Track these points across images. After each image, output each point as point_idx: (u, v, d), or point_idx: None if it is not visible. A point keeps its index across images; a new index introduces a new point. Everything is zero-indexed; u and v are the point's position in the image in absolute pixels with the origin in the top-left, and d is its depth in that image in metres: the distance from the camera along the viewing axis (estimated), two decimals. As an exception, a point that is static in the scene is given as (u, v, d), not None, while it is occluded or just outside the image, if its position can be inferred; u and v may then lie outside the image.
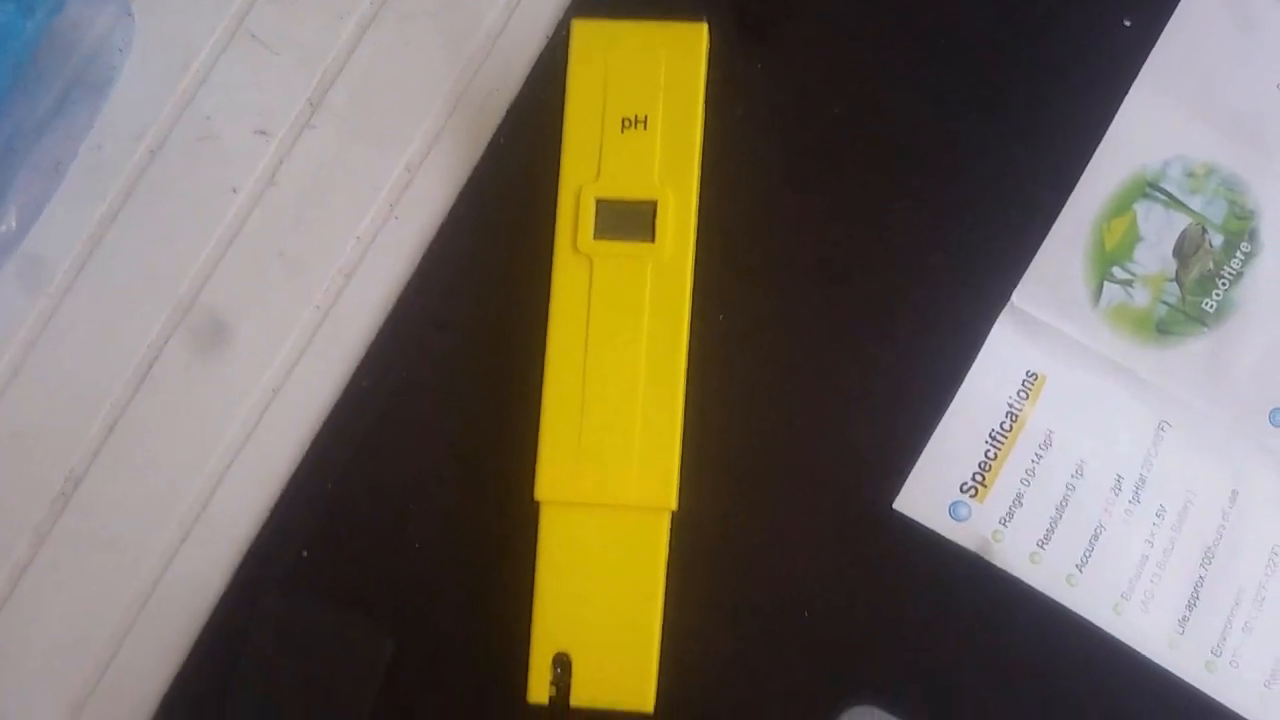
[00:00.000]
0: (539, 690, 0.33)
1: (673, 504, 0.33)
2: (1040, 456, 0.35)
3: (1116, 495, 0.35)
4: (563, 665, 0.33)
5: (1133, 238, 0.37)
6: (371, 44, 0.39)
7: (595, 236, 0.34)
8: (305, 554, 0.35)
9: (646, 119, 0.35)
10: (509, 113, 0.38)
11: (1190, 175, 0.37)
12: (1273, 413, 0.36)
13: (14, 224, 0.38)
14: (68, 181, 0.38)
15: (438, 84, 0.38)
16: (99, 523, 0.37)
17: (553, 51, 0.38)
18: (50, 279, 0.38)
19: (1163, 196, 0.37)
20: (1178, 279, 0.37)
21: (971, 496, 0.35)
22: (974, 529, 0.35)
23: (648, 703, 0.33)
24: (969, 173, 0.37)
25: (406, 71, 0.38)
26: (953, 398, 0.35)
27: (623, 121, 0.35)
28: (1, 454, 0.37)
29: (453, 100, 0.38)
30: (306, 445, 0.36)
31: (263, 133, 0.38)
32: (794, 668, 0.34)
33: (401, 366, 0.37)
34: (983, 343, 0.36)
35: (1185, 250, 0.37)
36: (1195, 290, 0.37)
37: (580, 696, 0.32)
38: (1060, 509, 0.35)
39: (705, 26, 0.35)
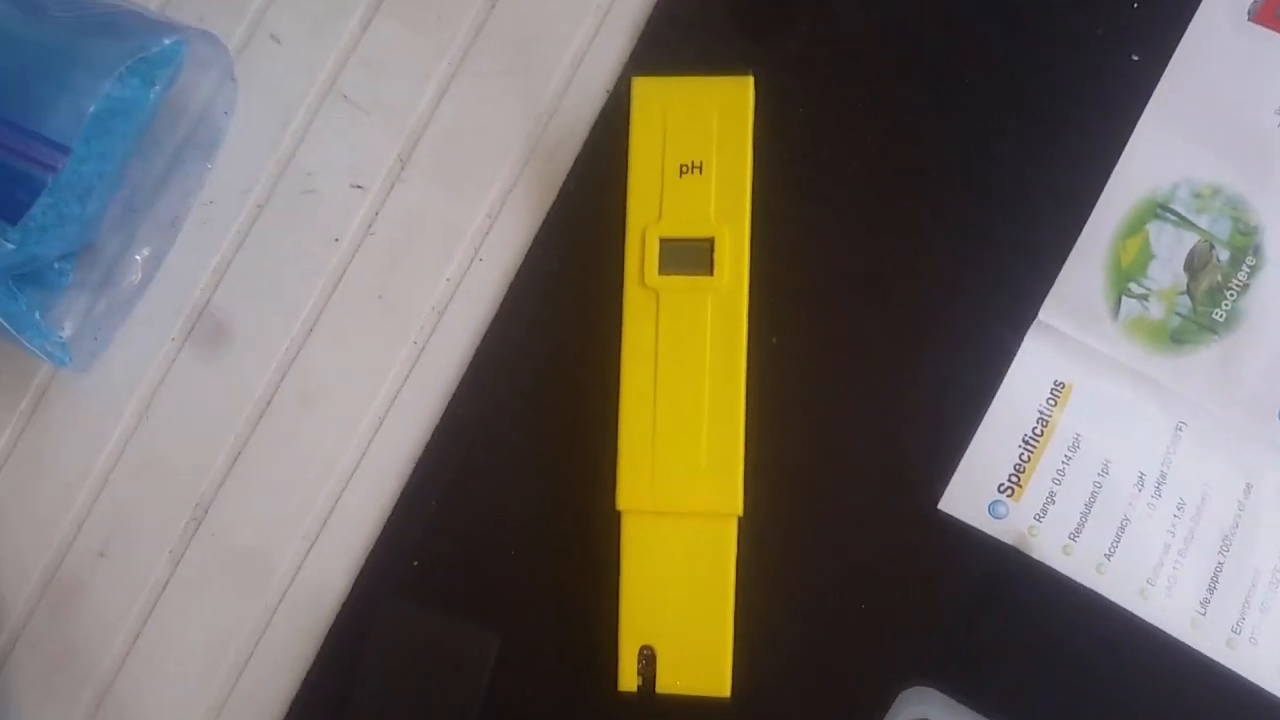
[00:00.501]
0: (628, 679, 0.36)
1: (739, 509, 0.37)
2: (1069, 458, 0.39)
3: (1139, 491, 0.38)
4: (647, 657, 0.36)
5: (1146, 255, 0.40)
6: (452, 103, 0.43)
7: (660, 272, 0.38)
8: (415, 564, 0.39)
9: (702, 165, 0.39)
10: (576, 162, 0.42)
11: (1197, 196, 0.40)
12: (1281, 412, 0.39)
13: (138, 276, 0.43)
14: (184, 235, 0.43)
15: (512, 138, 0.42)
16: (228, 543, 0.41)
17: (613, 106, 0.42)
18: (174, 325, 0.42)
19: (1173, 216, 0.40)
20: (1189, 292, 0.40)
21: (1009, 496, 0.38)
22: (1012, 525, 0.38)
23: (725, 688, 0.36)
24: (994, 199, 0.40)
25: (484, 127, 0.42)
26: (988, 406, 0.39)
27: (680, 167, 0.39)
28: (137, 485, 0.41)
29: (526, 152, 0.42)
30: (411, 468, 0.40)
31: (359, 186, 0.42)
32: (853, 653, 0.37)
33: (491, 394, 0.40)
34: (1014, 355, 0.39)
35: (1195, 265, 0.40)
36: (1205, 302, 0.40)
37: (665, 684, 0.36)
38: (1089, 505, 0.38)
39: (751, 80, 0.39)
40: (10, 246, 0.38)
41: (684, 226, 0.38)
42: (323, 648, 0.39)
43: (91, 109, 0.39)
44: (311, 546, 0.40)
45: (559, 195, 0.42)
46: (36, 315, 0.40)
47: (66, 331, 0.41)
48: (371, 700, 0.38)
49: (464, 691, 0.37)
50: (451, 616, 0.38)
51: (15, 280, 0.40)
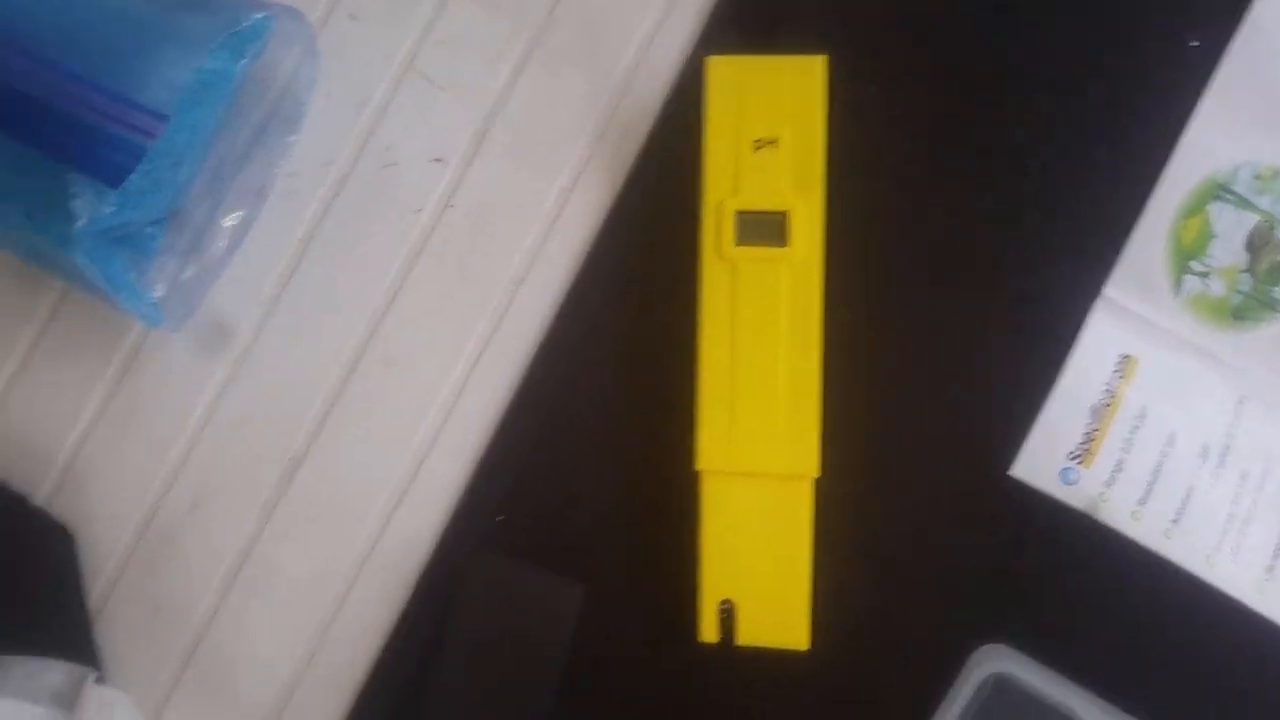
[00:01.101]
0: (709, 631, 0.37)
1: (815, 471, 0.38)
2: (1136, 428, 0.40)
3: (1204, 462, 0.39)
4: (727, 610, 0.37)
5: (1207, 235, 0.41)
6: (526, 81, 0.44)
7: (736, 244, 0.39)
8: (499, 520, 0.40)
9: (776, 140, 0.40)
10: (649, 138, 0.43)
11: (1258, 178, 0.41)
12: (1342, 386, 0.40)
13: (226, 242, 0.44)
14: (270, 204, 0.44)
15: (586, 114, 0.43)
16: (318, 498, 0.42)
17: (684, 84, 0.43)
18: (261, 290, 0.44)
19: (1233, 198, 0.41)
20: (1250, 270, 0.41)
21: (1079, 463, 0.39)
22: (1082, 491, 0.39)
23: (803, 641, 0.37)
24: (1060, 180, 0.41)
25: (558, 104, 0.44)
26: (1058, 377, 0.40)
27: (755, 143, 0.40)
28: (228, 442, 0.43)
29: (600, 128, 0.43)
30: (493, 430, 0.42)
31: (438, 160, 0.44)
32: (928, 612, 0.38)
33: (569, 360, 0.42)
34: (1081, 329, 0.40)
35: (1255, 244, 0.41)
36: (1266, 280, 0.41)
37: (744, 636, 0.37)
38: (1155, 474, 0.39)
39: (824, 60, 0.40)
40: (110, 209, 0.39)
41: (759, 200, 0.39)
42: (410, 599, 0.41)
43: (185, 81, 0.40)
44: (399, 502, 0.41)
45: (632, 170, 0.43)
46: (131, 277, 0.41)
47: (158, 293, 0.42)
48: (462, 646, 0.39)
49: (550, 641, 0.38)
50: (538, 569, 0.39)
51: (110, 243, 0.41)
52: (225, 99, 0.42)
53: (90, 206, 0.40)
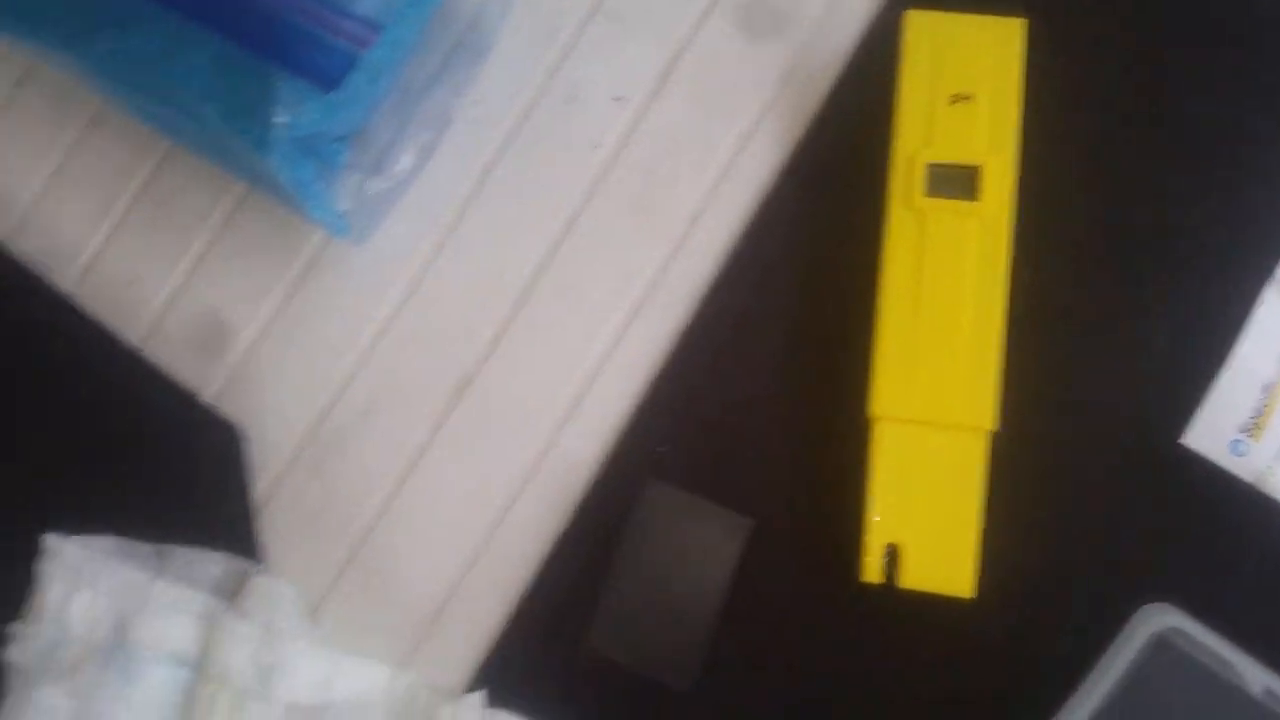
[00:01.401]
0: (873, 571, 0.38)
1: (991, 424, 0.38)
2: (1307, 407, 0.40)
3: (1371, 445, 0.40)
4: (892, 553, 0.38)
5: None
6: (712, 25, 0.45)
7: (926, 194, 0.39)
8: (664, 449, 0.41)
9: (972, 96, 0.40)
10: (834, 88, 0.43)
11: None
12: None
13: (408, 166, 0.45)
14: (453, 131, 0.45)
15: (770, 61, 0.44)
16: (487, 414, 0.43)
17: (871, 38, 0.43)
18: (442, 214, 0.45)
19: None
20: None
21: (1249, 436, 0.40)
22: (1251, 464, 0.39)
23: (968, 589, 0.38)
24: (1245, 160, 0.41)
25: (743, 50, 0.44)
26: (1230, 352, 0.40)
27: (951, 97, 0.40)
28: (403, 355, 0.44)
29: (784, 75, 0.44)
30: (662, 360, 0.42)
31: (619, 99, 0.44)
32: (1093, 571, 0.39)
33: (742, 298, 0.43)
34: (1254, 307, 0.40)
35: None
36: None
37: (908, 580, 0.38)
38: (1323, 453, 0.40)
39: (1024, 23, 0.40)
40: (313, 115, 0.40)
41: (951, 153, 0.40)
42: (573, 519, 0.42)
43: (391, -2, 0.41)
44: (564, 425, 0.43)
45: (815, 118, 0.43)
46: (320, 186, 0.42)
47: (343, 206, 0.43)
48: (630, 570, 0.40)
49: (715, 570, 0.39)
50: (709, 502, 0.40)
51: (302, 151, 0.42)
52: (421, 20, 0.43)
53: (292, 110, 0.41)
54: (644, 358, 0.43)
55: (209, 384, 0.45)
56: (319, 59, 0.40)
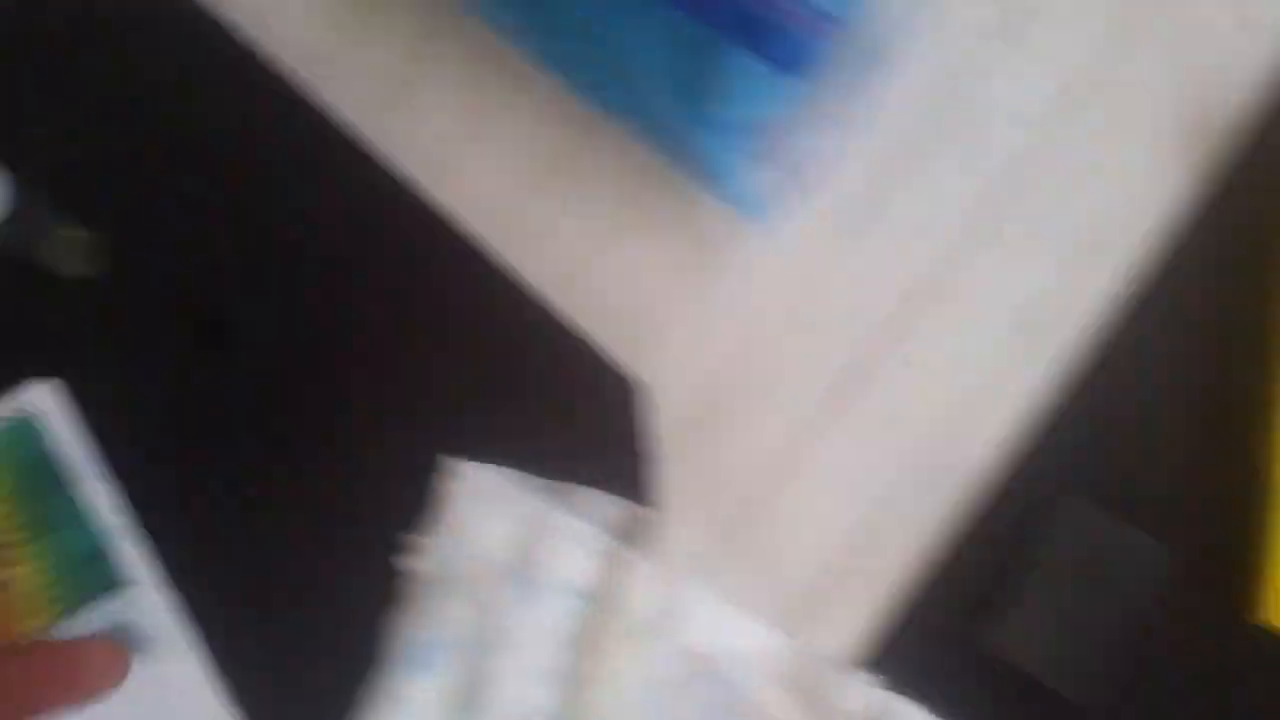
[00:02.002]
0: (1275, 613, 0.38)
1: None
2: None
3: None
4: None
5: None
6: (1114, 51, 0.46)
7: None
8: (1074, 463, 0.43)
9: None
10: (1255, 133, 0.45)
11: None
12: None
13: (812, 156, 0.46)
14: (854, 133, 0.46)
15: (1176, 97, 0.46)
16: (880, 410, 0.45)
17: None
18: (835, 212, 0.47)
19: None
20: None
21: None
22: None
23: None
24: None
25: (1148, 82, 0.46)
26: None
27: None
28: (799, 339, 0.46)
29: (1189, 116, 0.45)
30: (1067, 378, 0.44)
31: (1017, 115, 0.46)
32: None
33: (1153, 325, 0.44)
34: None
35: None
36: None
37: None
38: None
39: None
40: (763, 98, 0.43)
41: None
42: (970, 522, 0.43)
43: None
44: (960, 429, 0.44)
45: (1227, 164, 0.45)
46: (743, 168, 0.44)
47: (757, 189, 0.45)
48: (1044, 583, 0.41)
49: (1134, 601, 0.40)
50: (1124, 524, 0.41)
51: (730, 133, 0.45)
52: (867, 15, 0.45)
53: (739, 92, 0.43)
54: (1044, 372, 0.44)
55: (616, 342, 0.46)
56: (779, 44, 0.43)
